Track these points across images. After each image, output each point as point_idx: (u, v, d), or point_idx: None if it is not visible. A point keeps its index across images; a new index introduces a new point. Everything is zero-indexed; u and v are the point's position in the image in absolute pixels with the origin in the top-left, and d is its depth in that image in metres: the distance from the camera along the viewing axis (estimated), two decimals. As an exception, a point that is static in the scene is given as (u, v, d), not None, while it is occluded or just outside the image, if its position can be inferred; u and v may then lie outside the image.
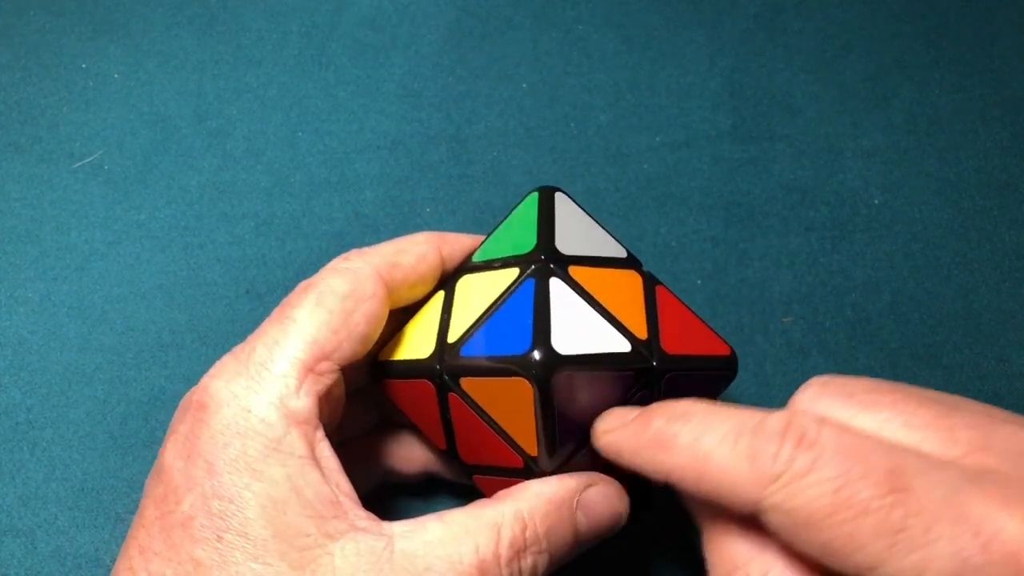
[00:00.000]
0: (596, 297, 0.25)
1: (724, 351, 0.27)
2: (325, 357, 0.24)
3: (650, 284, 0.27)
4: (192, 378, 0.34)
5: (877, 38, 0.40)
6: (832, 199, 0.37)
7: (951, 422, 0.19)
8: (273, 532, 0.22)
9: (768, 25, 0.41)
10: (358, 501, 0.24)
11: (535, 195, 0.27)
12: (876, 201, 0.37)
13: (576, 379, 0.23)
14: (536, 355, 0.23)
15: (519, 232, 0.27)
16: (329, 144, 0.38)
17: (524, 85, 0.39)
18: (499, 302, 0.25)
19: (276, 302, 0.28)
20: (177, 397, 0.34)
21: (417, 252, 0.27)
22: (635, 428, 0.22)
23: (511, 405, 0.24)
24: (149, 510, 0.23)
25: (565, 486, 0.25)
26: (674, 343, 0.26)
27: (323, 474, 0.23)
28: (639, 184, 0.37)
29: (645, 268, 0.28)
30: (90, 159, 0.38)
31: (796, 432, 0.19)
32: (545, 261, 0.25)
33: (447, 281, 0.28)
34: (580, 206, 0.28)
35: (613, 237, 0.28)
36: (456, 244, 0.28)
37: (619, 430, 0.23)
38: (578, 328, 0.24)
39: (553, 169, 0.38)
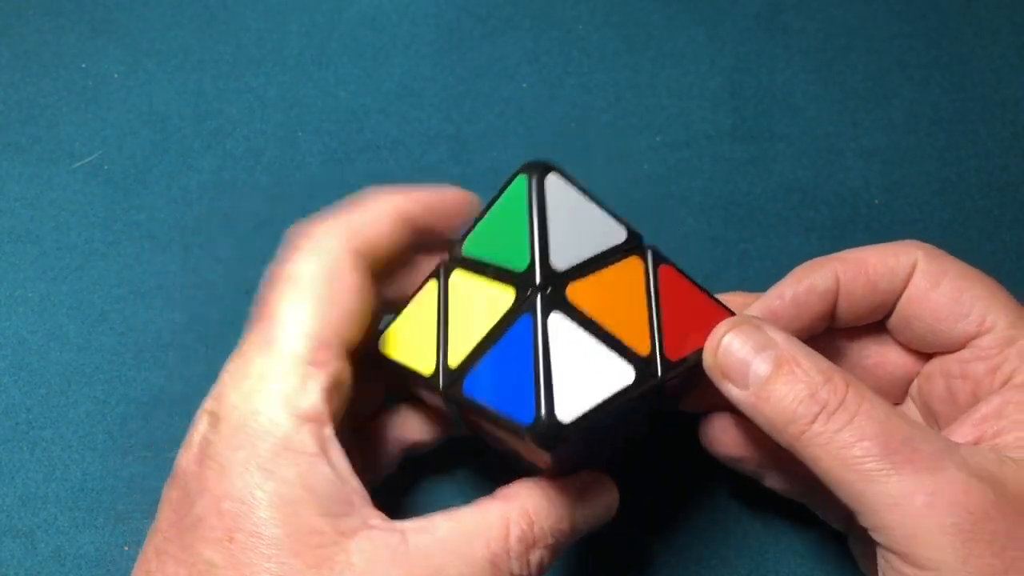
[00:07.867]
0: (596, 319, 0.24)
1: None
2: (324, 345, 0.24)
3: (653, 270, 0.26)
4: (192, 378, 0.35)
5: (877, 38, 0.40)
6: (832, 199, 0.37)
7: None
8: (286, 531, 0.22)
9: (768, 25, 0.41)
10: (369, 499, 0.24)
11: (523, 180, 0.25)
12: (876, 201, 0.37)
13: (582, 430, 0.23)
14: (540, 428, 0.22)
15: (510, 230, 0.25)
16: (329, 144, 0.38)
17: (524, 85, 0.39)
18: (497, 332, 0.25)
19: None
20: (177, 397, 0.34)
21: (385, 224, 0.27)
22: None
23: (518, 443, 0.24)
24: (165, 513, 0.23)
25: (566, 487, 0.26)
26: (677, 343, 0.25)
27: (335, 471, 0.23)
28: (639, 184, 0.37)
29: (647, 243, 0.26)
30: (90, 159, 0.38)
31: None
32: (542, 293, 0.24)
33: (439, 269, 0.27)
34: (572, 182, 0.26)
35: (610, 213, 0.26)
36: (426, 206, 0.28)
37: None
38: (581, 369, 0.23)
39: (553, 169, 0.38)
